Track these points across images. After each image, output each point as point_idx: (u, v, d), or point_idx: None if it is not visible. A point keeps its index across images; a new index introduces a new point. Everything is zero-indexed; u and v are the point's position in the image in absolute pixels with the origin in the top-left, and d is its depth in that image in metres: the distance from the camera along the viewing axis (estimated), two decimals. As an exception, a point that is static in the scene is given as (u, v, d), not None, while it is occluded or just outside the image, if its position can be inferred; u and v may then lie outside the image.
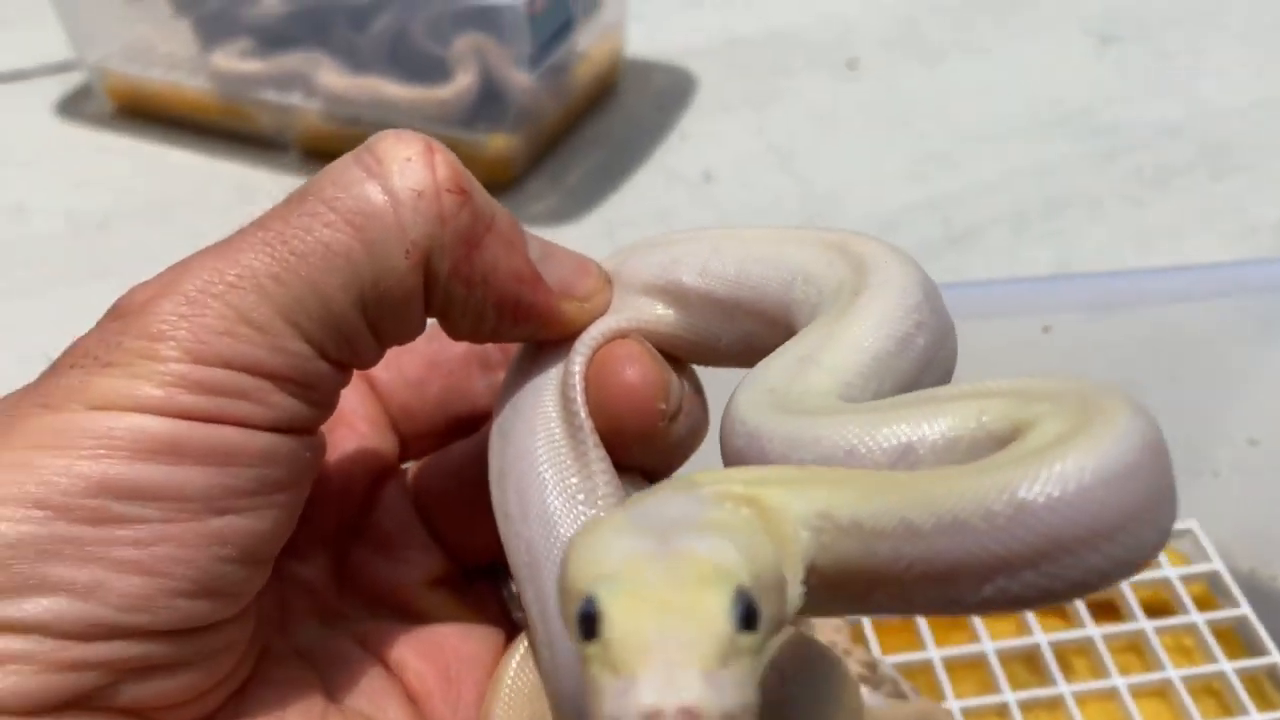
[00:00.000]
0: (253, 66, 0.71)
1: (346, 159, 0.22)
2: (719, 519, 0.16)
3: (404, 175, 0.21)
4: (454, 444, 0.27)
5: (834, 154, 0.75)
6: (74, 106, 0.79)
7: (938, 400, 0.18)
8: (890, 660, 0.40)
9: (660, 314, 0.25)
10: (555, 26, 0.69)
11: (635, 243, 0.26)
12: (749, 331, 0.24)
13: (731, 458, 0.21)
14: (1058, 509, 0.15)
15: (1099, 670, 0.41)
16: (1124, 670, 0.41)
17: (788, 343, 0.22)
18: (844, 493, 0.17)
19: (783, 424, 0.19)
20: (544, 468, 0.23)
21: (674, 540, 0.15)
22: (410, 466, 0.27)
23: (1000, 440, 0.17)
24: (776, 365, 0.21)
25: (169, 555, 0.19)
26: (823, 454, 0.18)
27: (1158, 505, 0.16)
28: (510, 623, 0.27)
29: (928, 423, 0.18)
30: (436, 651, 0.24)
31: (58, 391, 0.20)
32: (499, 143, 0.68)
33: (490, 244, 0.22)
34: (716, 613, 0.14)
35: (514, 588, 0.27)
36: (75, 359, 0.20)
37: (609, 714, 0.13)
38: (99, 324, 0.21)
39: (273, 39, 0.72)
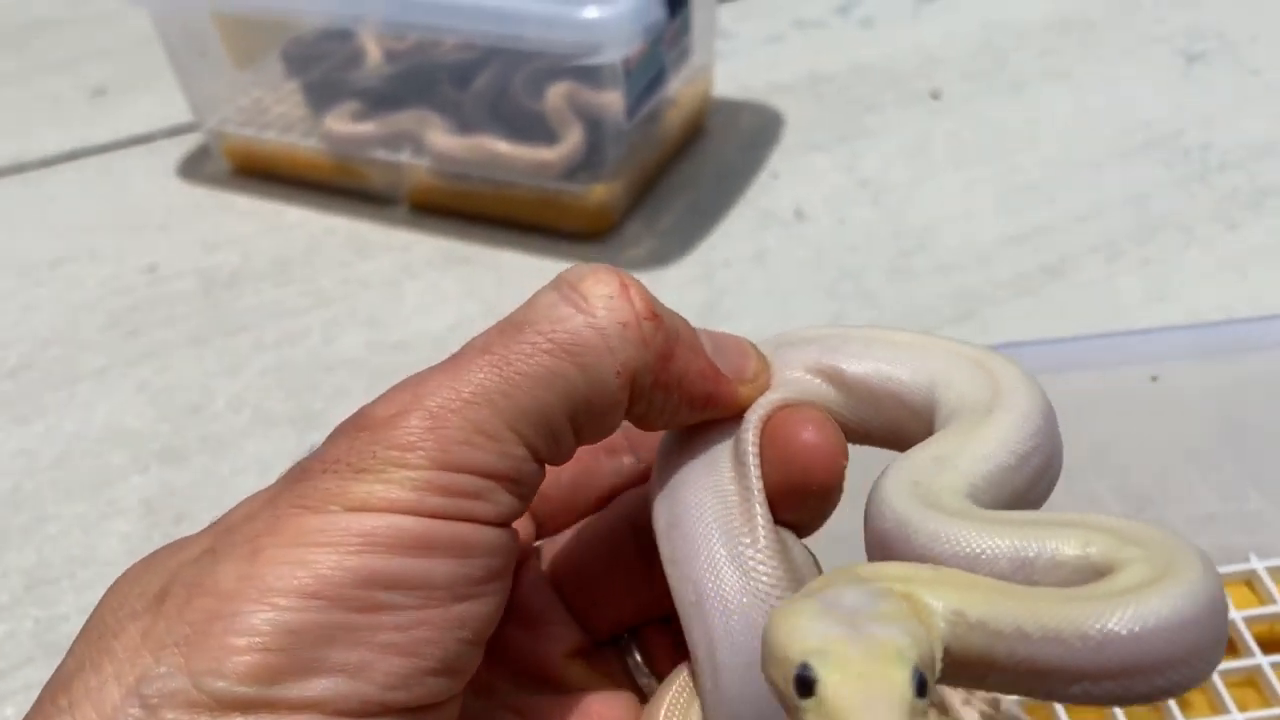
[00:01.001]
0: (363, 128, 0.75)
1: (554, 296, 0.25)
2: (890, 611, 0.20)
3: (610, 311, 0.24)
4: (582, 523, 0.30)
5: (924, 187, 0.77)
6: (194, 168, 0.84)
7: (1055, 525, 0.22)
8: (1011, 699, 0.42)
9: (822, 390, 0.27)
10: (649, 78, 0.71)
11: (786, 334, 0.29)
12: (895, 419, 0.27)
13: (876, 537, 0.24)
14: (1136, 641, 0.20)
15: (1217, 706, 0.42)
16: (1242, 706, 0.42)
17: (927, 441, 0.25)
18: (973, 596, 0.21)
19: (927, 519, 0.23)
20: (711, 518, 0.26)
21: (861, 626, 0.20)
22: (541, 545, 0.30)
23: (1098, 569, 0.21)
24: (918, 461, 0.25)
25: (423, 638, 0.22)
26: (957, 552, 0.22)
27: (1211, 647, 0.21)
28: (637, 688, 0.29)
29: (1045, 544, 0.22)
30: (584, 718, 0.27)
31: (315, 494, 0.23)
32: (599, 193, 0.71)
33: (680, 354, 0.25)
34: (903, 684, 0.19)
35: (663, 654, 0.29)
36: (328, 465, 0.23)
37: None
38: (345, 435, 0.24)
39: (379, 100, 0.75)
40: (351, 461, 0.23)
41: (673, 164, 0.80)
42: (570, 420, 0.24)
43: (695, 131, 0.82)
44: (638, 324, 0.24)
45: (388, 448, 0.23)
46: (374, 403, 0.24)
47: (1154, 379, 0.40)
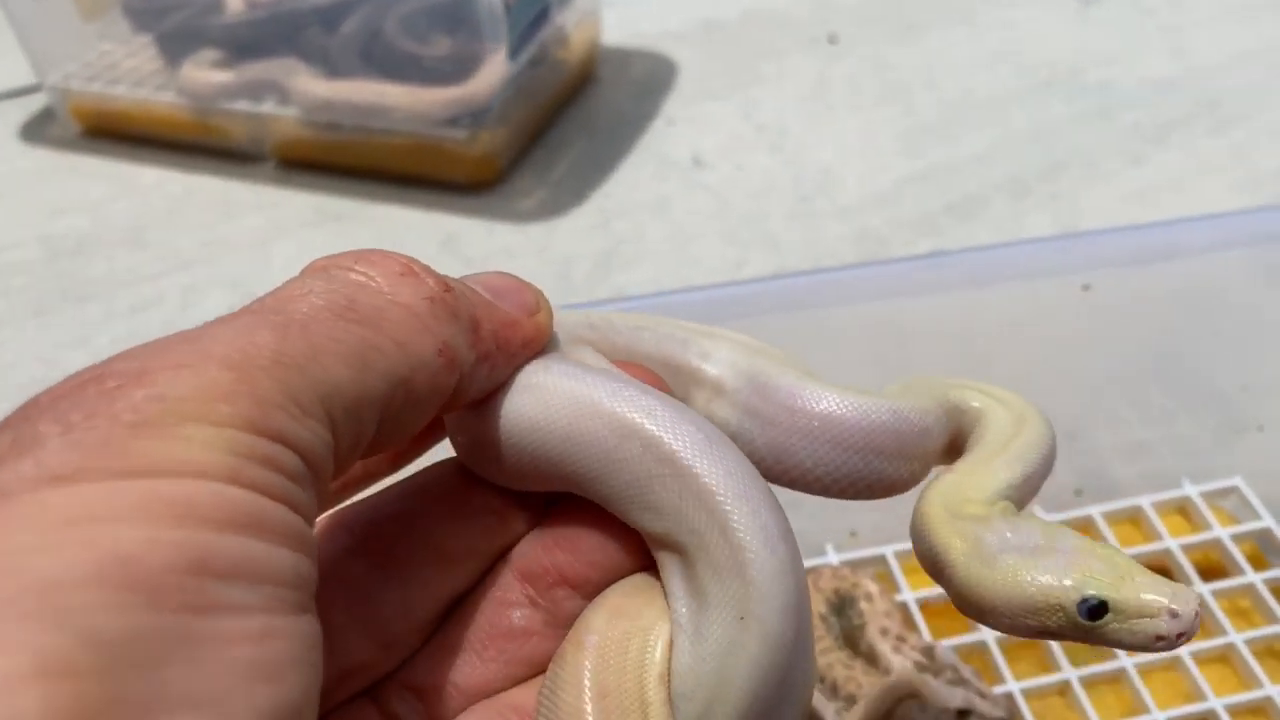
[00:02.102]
0: (223, 77, 0.69)
1: (328, 276, 0.20)
2: (1041, 524, 0.23)
3: (411, 289, 0.20)
4: None
5: (824, 132, 0.74)
6: (38, 131, 0.76)
7: (926, 387, 0.27)
8: (944, 644, 0.38)
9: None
10: (531, 16, 0.67)
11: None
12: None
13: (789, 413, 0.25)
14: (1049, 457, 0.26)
15: (1159, 639, 0.39)
16: (1184, 637, 0.39)
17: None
18: (1003, 470, 0.25)
19: (862, 405, 0.25)
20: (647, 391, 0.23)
21: (1059, 545, 0.23)
22: None
23: (969, 412, 0.27)
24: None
25: (286, 656, 0.15)
26: (901, 426, 0.25)
27: None
28: None
29: (935, 404, 0.26)
30: None
31: (65, 461, 0.15)
32: (484, 140, 0.66)
33: (483, 315, 0.21)
34: (1131, 560, 0.22)
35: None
36: (69, 426, 0.15)
37: (1169, 631, 0.21)
38: (85, 392, 0.16)
39: (241, 47, 0.69)
40: (117, 414, 0.15)
41: (564, 112, 0.75)
42: (383, 410, 0.19)
43: (586, 79, 0.78)
44: (442, 299, 0.20)
45: (179, 397, 0.16)
46: (108, 362, 0.17)
47: (1086, 288, 0.37)
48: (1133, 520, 0.43)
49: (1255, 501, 0.43)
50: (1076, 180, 0.68)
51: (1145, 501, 0.43)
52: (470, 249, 0.64)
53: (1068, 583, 0.22)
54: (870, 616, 0.37)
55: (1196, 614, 0.21)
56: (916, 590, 0.41)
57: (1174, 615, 0.21)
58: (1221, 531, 0.42)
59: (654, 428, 0.21)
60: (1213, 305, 0.40)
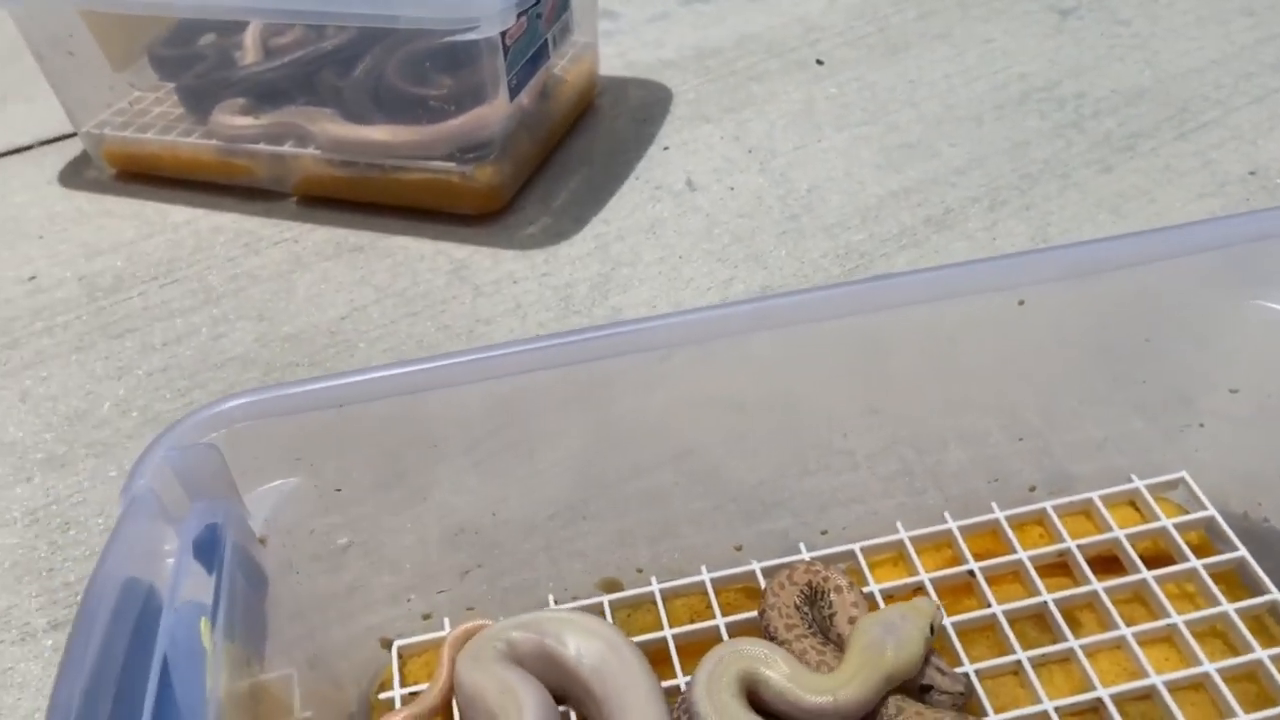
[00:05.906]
0: (250, 121, 0.74)
1: None
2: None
3: None
4: None
5: (810, 152, 0.78)
6: (74, 175, 0.81)
7: None
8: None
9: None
10: (530, 53, 0.71)
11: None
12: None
13: None
14: None
15: (1105, 623, 0.43)
16: (1129, 620, 0.43)
17: None
18: None
19: None
20: None
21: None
22: None
23: None
24: None
25: None
26: None
27: None
28: None
29: None
30: None
31: None
32: (489, 173, 0.70)
33: None
34: None
35: None
36: None
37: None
38: None
39: (262, 94, 0.74)
40: None
41: (565, 142, 0.80)
42: None
43: (585, 109, 0.82)
44: None
45: None
46: None
47: (1021, 303, 0.41)
48: (1085, 512, 0.47)
49: (1200, 493, 0.47)
50: (1050, 190, 0.72)
51: (1095, 495, 0.47)
52: (478, 276, 0.68)
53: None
54: (840, 607, 0.41)
55: None
56: (881, 583, 0.45)
57: None
58: (1168, 521, 0.46)
59: None
60: (1148, 315, 0.43)
